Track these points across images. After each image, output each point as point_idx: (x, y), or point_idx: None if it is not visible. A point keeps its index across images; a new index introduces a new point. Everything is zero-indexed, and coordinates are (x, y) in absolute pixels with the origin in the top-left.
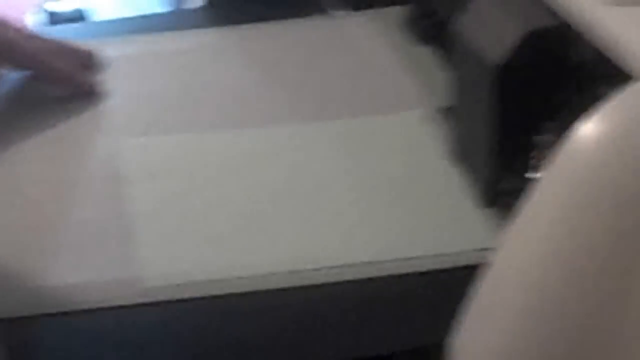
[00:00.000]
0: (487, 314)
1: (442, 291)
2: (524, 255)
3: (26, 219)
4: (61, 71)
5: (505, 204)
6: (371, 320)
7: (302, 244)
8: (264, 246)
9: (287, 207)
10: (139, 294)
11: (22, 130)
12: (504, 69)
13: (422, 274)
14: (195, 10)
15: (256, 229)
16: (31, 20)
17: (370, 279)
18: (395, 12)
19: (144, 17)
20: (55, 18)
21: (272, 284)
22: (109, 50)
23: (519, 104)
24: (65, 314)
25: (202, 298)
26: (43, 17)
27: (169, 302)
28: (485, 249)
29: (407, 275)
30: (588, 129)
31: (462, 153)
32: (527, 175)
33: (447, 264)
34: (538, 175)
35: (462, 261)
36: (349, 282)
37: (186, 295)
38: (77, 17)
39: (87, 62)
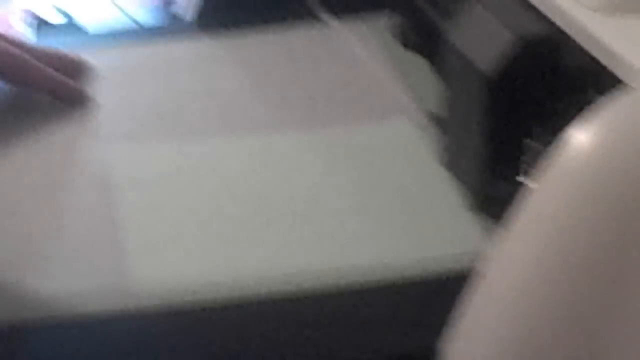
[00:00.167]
0: (480, 321)
1: (433, 296)
2: (516, 263)
3: (12, 226)
4: (50, 78)
5: (496, 209)
6: (362, 324)
7: (293, 251)
8: (254, 253)
9: (277, 214)
10: (127, 301)
11: (9, 137)
12: (494, 77)
13: (413, 278)
14: (185, 21)
15: (246, 236)
16: (20, 28)
17: (361, 284)
18: (383, 20)
19: (135, 27)
20: (44, 27)
21: (263, 291)
22: (100, 59)
23: (510, 111)
24: (52, 321)
25: (192, 305)
26: (33, 26)
27: (158, 310)
28: (477, 254)
29: (398, 279)
30: (578, 136)
31: (453, 159)
32: (518, 180)
33: (438, 268)
34: (529, 180)
35: (453, 266)
36: (339, 287)
37: (176, 302)
38: (70, 26)
39: (76, 69)
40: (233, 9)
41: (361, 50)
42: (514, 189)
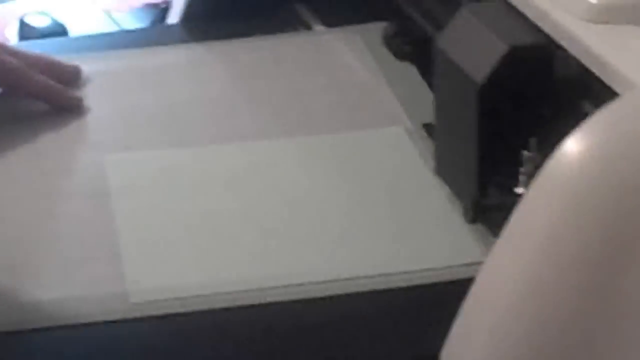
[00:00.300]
0: (475, 329)
1: (427, 306)
2: (510, 273)
3: (10, 234)
4: (43, 86)
5: (490, 219)
6: (358, 334)
7: (289, 260)
8: (249, 261)
9: (271, 222)
10: (125, 309)
11: (3, 145)
12: (486, 86)
13: (408, 288)
14: (173, 26)
15: (241, 245)
16: (11, 34)
17: (356, 294)
18: (373, 29)
19: (122, 33)
20: (34, 32)
21: (259, 299)
22: (87, 65)
23: (503, 120)
24: (51, 329)
25: (189, 313)
26: (23, 32)
27: (155, 318)
28: (471, 264)
29: (392, 290)
30: (572, 147)
31: (447, 169)
32: (514, 190)
33: (432, 278)
34: (524, 191)
35: (448, 276)
36: (335, 297)
37: (173, 310)
38: (57, 31)
39: (69, 77)
40: (221, 15)
41: (352, 59)
42: (508, 198)
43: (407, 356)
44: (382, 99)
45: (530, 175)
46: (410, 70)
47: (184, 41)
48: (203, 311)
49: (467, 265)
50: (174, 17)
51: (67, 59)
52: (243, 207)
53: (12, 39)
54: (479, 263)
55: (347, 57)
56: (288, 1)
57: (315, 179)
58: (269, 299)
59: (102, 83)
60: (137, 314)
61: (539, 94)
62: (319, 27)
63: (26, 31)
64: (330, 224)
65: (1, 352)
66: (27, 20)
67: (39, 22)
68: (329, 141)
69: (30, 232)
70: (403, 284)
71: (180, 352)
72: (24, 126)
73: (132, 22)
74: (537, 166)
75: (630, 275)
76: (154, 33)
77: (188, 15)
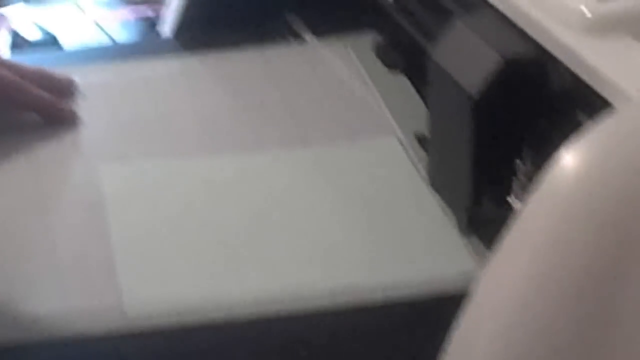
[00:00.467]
0: (471, 342)
1: (422, 318)
2: (506, 286)
3: (4, 246)
4: (37, 98)
5: (485, 231)
6: (352, 346)
7: (283, 272)
8: (245, 274)
9: (265, 234)
10: (121, 321)
11: None
12: (481, 98)
13: (402, 300)
14: (165, 38)
15: (236, 257)
16: (2, 46)
17: (350, 306)
18: (365, 39)
19: (115, 44)
20: (26, 44)
21: (255, 312)
22: (81, 77)
23: (497, 132)
24: (45, 342)
25: (185, 326)
26: (14, 43)
27: (151, 330)
28: (466, 275)
29: (386, 301)
30: (567, 158)
31: (441, 180)
32: (509, 202)
33: (427, 290)
34: (520, 202)
35: (442, 287)
36: (328, 309)
37: (169, 323)
38: (48, 43)
39: (63, 89)
40: (213, 26)
41: (344, 69)
42: (502, 210)
43: None
44: (374, 109)
45: (525, 187)
46: (401, 81)
47: (176, 53)
48: (199, 324)
49: (462, 276)
50: (166, 28)
51: (61, 70)
52: (237, 219)
53: (3, 50)
54: (474, 274)
55: (338, 68)
56: (279, 12)
57: (308, 190)
58: (266, 312)
59: (95, 95)
60: (133, 327)
61: (533, 105)
62: (310, 38)
63: (18, 43)
64: (323, 235)
65: None
66: (19, 31)
67: (30, 33)
68: (321, 152)
69: (25, 244)
70: (397, 296)
71: None
72: (17, 138)
73: (123, 34)
74: (532, 178)
75: (629, 286)
76: (147, 45)
77: (180, 27)
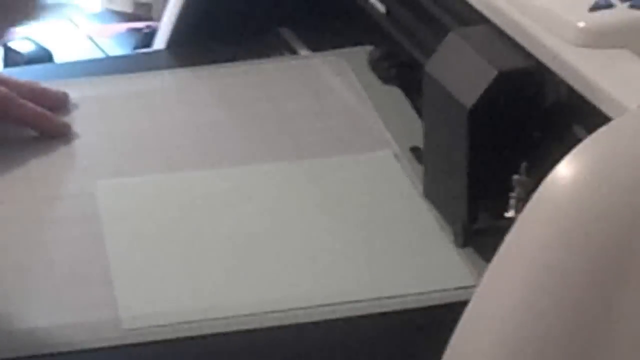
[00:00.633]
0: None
1: (418, 330)
2: (503, 298)
3: (1, 261)
4: (31, 112)
5: (481, 243)
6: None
7: (280, 285)
8: (241, 287)
9: (261, 248)
10: (117, 335)
11: None
12: (476, 111)
13: (398, 312)
14: (158, 51)
15: (232, 270)
16: None
17: (347, 318)
18: (359, 53)
19: (109, 58)
20: (19, 58)
21: (250, 325)
22: (74, 91)
23: (493, 144)
24: (42, 356)
25: (181, 339)
26: (7, 57)
27: (148, 344)
28: (462, 288)
29: (383, 314)
30: (564, 171)
31: (437, 193)
32: (504, 214)
33: (423, 302)
34: (515, 215)
35: (439, 300)
36: (326, 321)
37: (165, 336)
38: (42, 57)
39: (57, 103)
40: (207, 40)
41: (339, 83)
42: (498, 223)
43: None
44: (369, 123)
45: (521, 200)
46: (396, 94)
47: (170, 66)
48: (195, 337)
49: (458, 289)
50: (159, 42)
51: (54, 85)
52: (233, 232)
53: None
54: (470, 287)
55: (333, 82)
56: (273, 26)
57: (303, 203)
58: (261, 325)
59: (89, 109)
60: (130, 340)
61: (529, 118)
62: (304, 52)
63: (11, 57)
64: (320, 248)
65: None
66: (12, 45)
67: (24, 47)
68: (316, 166)
69: (21, 259)
70: (394, 308)
71: None
72: (12, 153)
73: (116, 48)
74: (528, 190)
75: (624, 298)
76: (140, 58)
77: (174, 41)
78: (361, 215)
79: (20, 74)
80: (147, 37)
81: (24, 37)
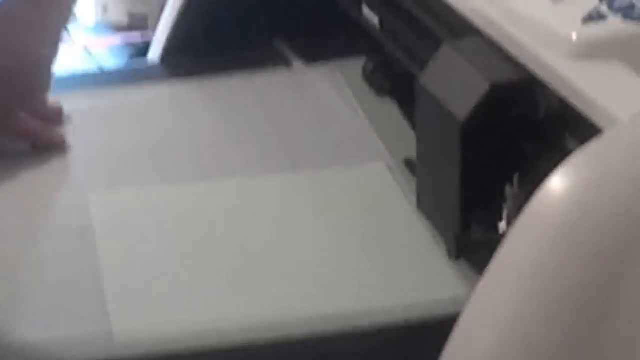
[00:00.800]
0: None
1: (411, 341)
2: (495, 309)
3: None
4: (26, 125)
5: (473, 255)
6: None
7: (273, 297)
8: (234, 300)
9: (254, 260)
10: (110, 348)
11: None
12: (468, 123)
13: (391, 324)
14: (153, 64)
15: (225, 283)
16: None
17: (340, 331)
18: (353, 65)
19: (103, 71)
20: None
21: (243, 338)
22: (69, 103)
23: (486, 157)
24: None
25: (174, 352)
26: None
27: (141, 357)
28: (455, 299)
29: (376, 325)
30: (556, 184)
31: (430, 205)
32: (497, 226)
33: (416, 314)
34: (508, 227)
35: (432, 311)
36: (318, 335)
37: (158, 349)
38: None
39: (51, 115)
40: (201, 52)
41: (332, 94)
42: (491, 235)
43: None
44: (363, 134)
45: (514, 212)
46: (390, 106)
47: (164, 79)
48: (188, 351)
49: (451, 300)
50: (154, 53)
51: (49, 97)
52: (227, 245)
53: None
54: (463, 298)
55: (327, 93)
56: (268, 38)
57: (297, 215)
58: (254, 338)
59: (84, 121)
60: (122, 354)
61: (522, 130)
62: (298, 64)
63: None
64: (312, 261)
65: None
66: None
67: None
68: (309, 177)
69: (14, 271)
70: (386, 320)
71: None
72: (6, 165)
73: (111, 60)
74: (521, 202)
75: (616, 310)
76: (135, 71)
77: (168, 53)
78: (354, 227)
79: None
80: (143, 50)
81: None
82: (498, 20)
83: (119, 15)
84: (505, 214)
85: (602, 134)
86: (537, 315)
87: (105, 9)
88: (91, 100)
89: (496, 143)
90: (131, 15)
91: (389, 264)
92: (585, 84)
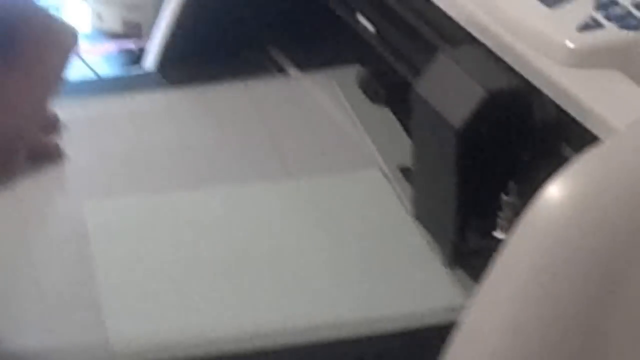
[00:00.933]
0: None
1: (408, 350)
2: (493, 318)
3: None
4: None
5: (470, 263)
6: None
7: (269, 305)
8: (230, 308)
9: (249, 269)
10: (106, 357)
11: None
12: (464, 131)
13: (388, 333)
14: (148, 72)
15: (222, 291)
16: None
17: (336, 340)
18: (348, 72)
19: (98, 79)
20: None
21: (239, 347)
22: (64, 112)
23: (482, 165)
24: None
25: None
26: None
27: None
28: (451, 308)
29: (372, 335)
30: (553, 192)
31: (426, 213)
32: (493, 234)
33: (413, 323)
34: (505, 235)
35: (428, 320)
36: (313, 343)
37: (155, 358)
38: None
39: (47, 123)
40: (196, 60)
41: (328, 102)
42: (488, 243)
43: None
44: (358, 142)
45: (510, 220)
46: (385, 114)
47: (160, 86)
48: (184, 358)
49: (447, 309)
50: (149, 62)
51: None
52: (223, 253)
53: None
54: (459, 307)
55: (322, 101)
56: (262, 46)
57: (293, 223)
58: (251, 347)
59: (79, 130)
60: None
61: (518, 138)
62: (293, 71)
63: None
64: (308, 269)
65: None
66: None
67: None
68: (305, 185)
69: (10, 280)
70: (383, 329)
71: None
72: None
73: (106, 68)
74: (517, 211)
75: (614, 318)
76: (130, 79)
77: (163, 61)
78: (350, 236)
79: None
80: (138, 57)
81: None
82: (494, 28)
83: (113, 23)
84: (501, 222)
85: (599, 142)
86: (536, 322)
87: (99, 17)
88: (87, 108)
89: (492, 151)
90: (126, 23)
91: (385, 271)
92: (582, 92)
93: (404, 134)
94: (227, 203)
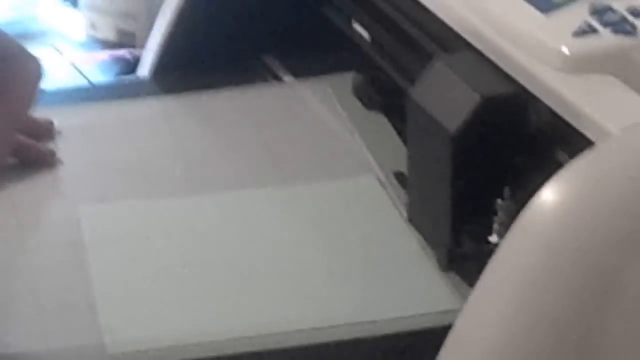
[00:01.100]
0: None
1: (402, 355)
2: (487, 322)
3: None
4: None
5: (465, 268)
6: None
7: (263, 310)
8: (226, 312)
9: (246, 274)
10: None
11: None
12: (459, 136)
13: (382, 337)
14: (143, 79)
15: (217, 295)
16: None
17: (331, 342)
18: (343, 79)
19: (93, 86)
20: None
21: (235, 350)
22: (59, 118)
23: (477, 170)
24: None
25: None
26: None
27: None
28: (446, 312)
29: (366, 338)
30: (547, 196)
31: (421, 217)
32: (488, 239)
33: (407, 327)
34: (499, 240)
35: (423, 324)
36: (309, 347)
37: None
38: None
39: (41, 131)
40: (191, 67)
41: (323, 109)
42: (482, 247)
43: None
44: (353, 148)
45: (505, 225)
46: (380, 120)
47: (154, 94)
48: None
49: (442, 313)
50: (143, 69)
51: (39, 112)
52: (217, 258)
53: None
54: (454, 311)
55: (317, 108)
56: (257, 53)
57: (288, 229)
58: (248, 350)
59: (74, 136)
60: None
61: (513, 143)
62: (288, 78)
63: None
64: (303, 274)
65: None
66: None
67: None
68: (301, 191)
69: (5, 285)
70: (377, 333)
71: None
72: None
73: (100, 75)
74: (512, 215)
75: (607, 322)
76: (125, 86)
77: (158, 68)
78: (345, 240)
79: None
80: (131, 64)
81: None
82: (489, 34)
83: (107, 32)
84: (496, 226)
85: (594, 146)
86: (530, 326)
87: (94, 26)
88: (81, 115)
89: (487, 156)
90: (120, 32)
91: (380, 276)
92: (577, 97)
93: (398, 140)
94: (223, 209)
